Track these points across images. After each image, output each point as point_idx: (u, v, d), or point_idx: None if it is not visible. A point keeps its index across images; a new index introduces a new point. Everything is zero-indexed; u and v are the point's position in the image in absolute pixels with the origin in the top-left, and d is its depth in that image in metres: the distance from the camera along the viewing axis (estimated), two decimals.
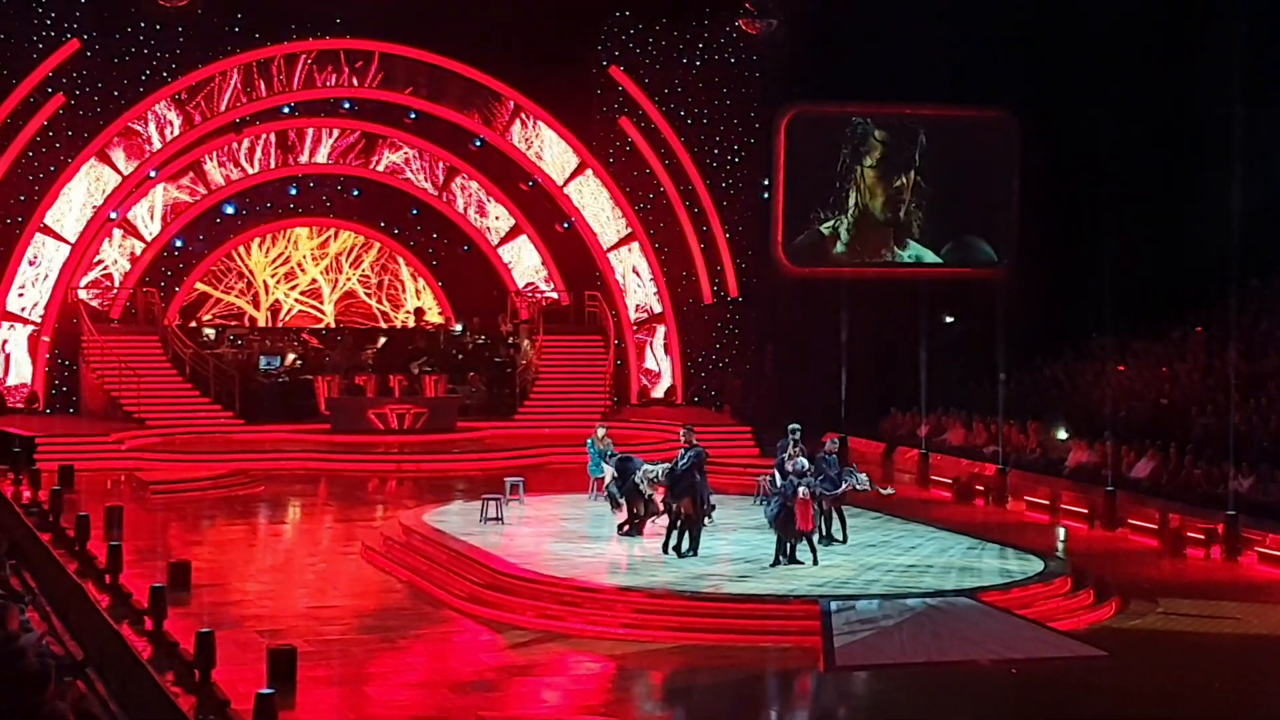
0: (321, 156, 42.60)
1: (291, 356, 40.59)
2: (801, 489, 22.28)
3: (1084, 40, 39.39)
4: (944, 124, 44.78)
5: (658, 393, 43.59)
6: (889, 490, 26.53)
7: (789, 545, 22.45)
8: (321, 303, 43.85)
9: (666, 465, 24.02)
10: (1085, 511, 30.16)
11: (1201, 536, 27.04)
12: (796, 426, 25.22)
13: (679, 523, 23.21)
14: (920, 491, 34.49)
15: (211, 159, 41.51)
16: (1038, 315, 39.70)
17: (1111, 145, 37.90)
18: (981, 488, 33.05)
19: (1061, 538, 28.51)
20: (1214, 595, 23.40)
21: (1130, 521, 28.96)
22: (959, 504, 32.56)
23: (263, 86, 41.13)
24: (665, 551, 23.12)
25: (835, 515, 24.66)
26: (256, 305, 43.26)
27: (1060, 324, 39.70)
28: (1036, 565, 23.22)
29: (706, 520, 23.63)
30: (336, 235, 43.76)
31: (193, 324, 41.51)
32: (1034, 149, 43.59)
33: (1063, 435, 33.97)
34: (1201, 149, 38.62)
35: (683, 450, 23.92)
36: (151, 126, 40.53)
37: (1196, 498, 28.49)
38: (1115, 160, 37.79)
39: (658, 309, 43.68)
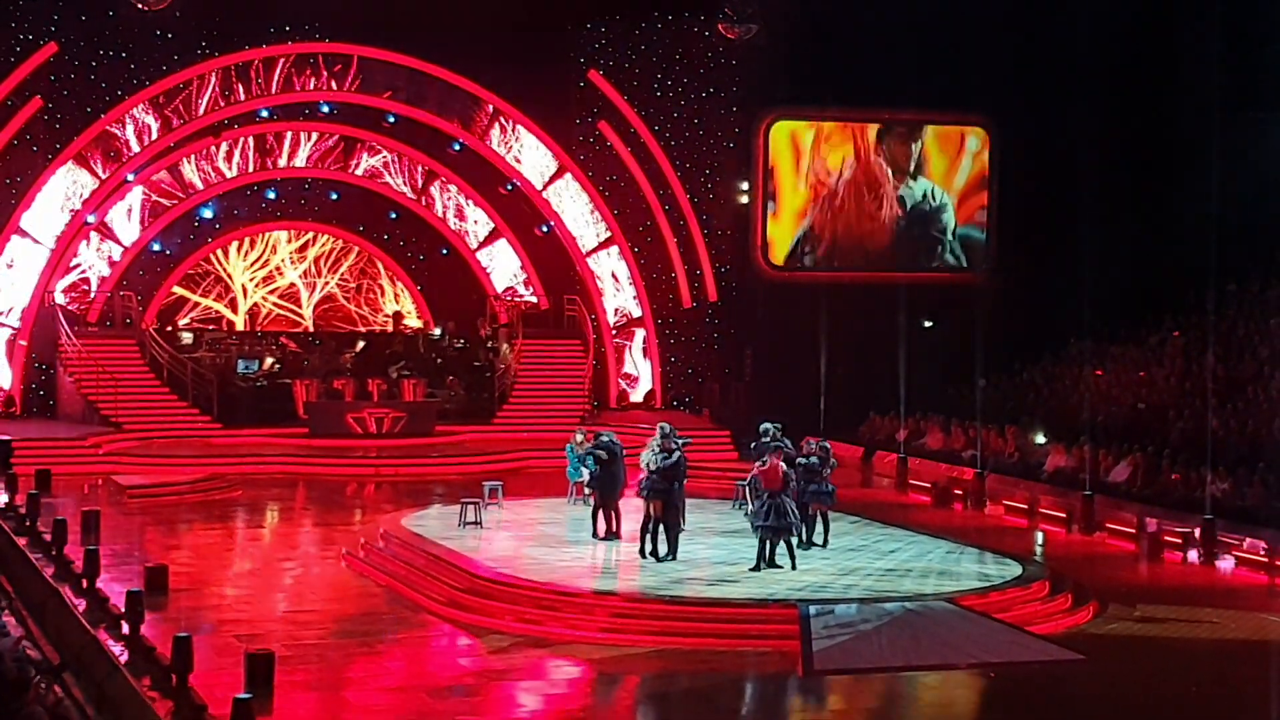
0: (300, 160, 42.52)
1: (270, 360, 40.49)
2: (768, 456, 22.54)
3: (1061, 46, 39.53)
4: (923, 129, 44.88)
5: (636, 396, 43.57)
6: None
7: (770, 548, 22.44)
8: (300, 307, 43.76)
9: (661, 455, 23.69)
10: (1063, 515, 30.25)
11: (1179, 540, 27.16)
12: (769, 427, 25.33)
13: (651, 525, 23.15)
14: (899, 495, 34.54)
15: (189, 162, 41.41)
16: (1016, 320, 39.80)
17: (1089, 151, 38.04)
18: (960, 492, 33.09)
19: (1039, 542, 28.57)
20: (1191, 599, 23.48)
21: (1108, 525, 29.05)
22: (937, 508, 32.60)
23: (241, 90, 41.05)
24: (643, 556, 23.10)
25: (820, 519, 24.66)
26: (234, 309, 43.15)
27: (1038, 329, 39.78)
28: (1015, 569, 23.27)
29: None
30: (315, 239, 43.69)
31: (170, 328, 41.40)
32: (1012, 155, 43.72)
33: (1041, 439, 34.04)
34: (1179, 155, 38.78)
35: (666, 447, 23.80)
36: (129, 130, 40.42)
37: (1174, 502, 28.59)
38: (1093, 165, 37.94)
39: (637, 313, 43.68)
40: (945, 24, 39.68)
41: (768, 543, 22.42)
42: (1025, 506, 31.33)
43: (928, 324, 43.10)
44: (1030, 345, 39.69)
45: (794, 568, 22.41)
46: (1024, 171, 42.84)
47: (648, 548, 23.09)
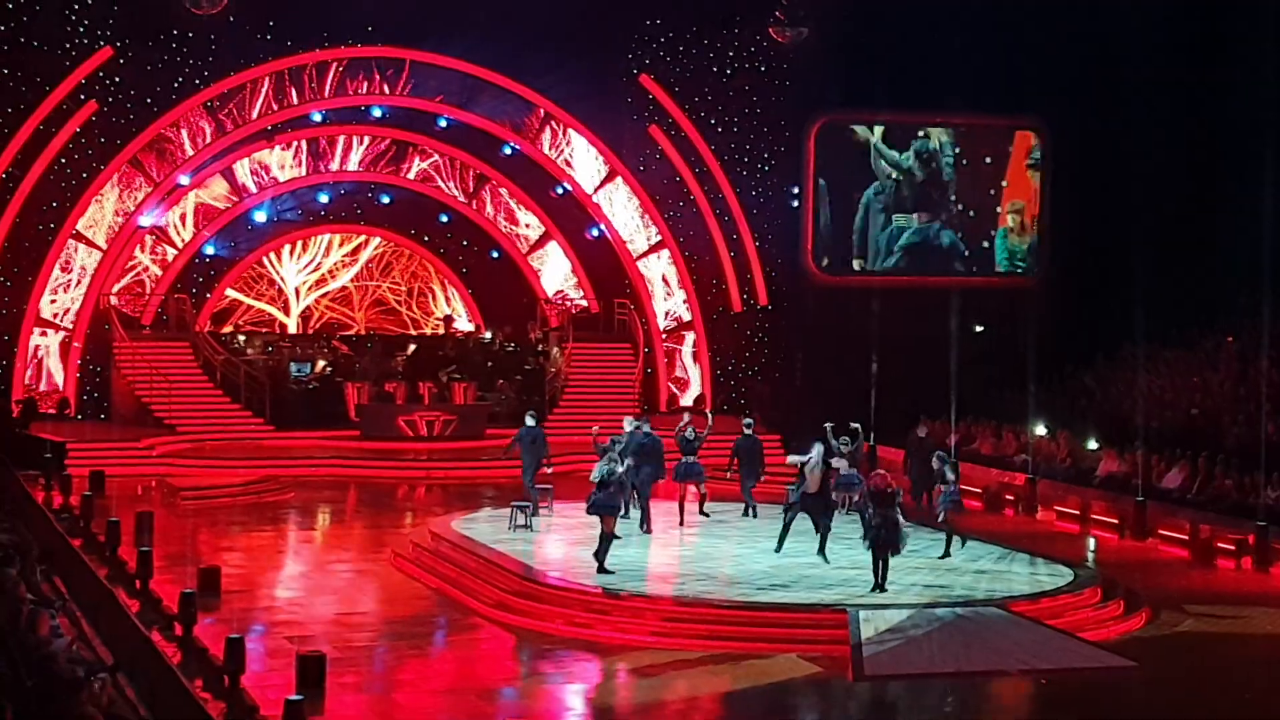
0: (352, 164, 42.73)
1: (322, 363, 40.68)
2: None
3: (1115, 47, 39.33)
4: (974, 132, 44.76)
5: (686, 400, 43.52)
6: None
7: (884, 564, 22.02)
8: (352, 309, 43.98)
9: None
10: (1115, 521, 30.09)
11: (1232, 547, 26.97)
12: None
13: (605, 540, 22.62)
14: None
15: (243, 166, 41.68)
16: (1068, 324, 39.62)
17: (1142, 153, 37.82)
18: (1011, 497, 32.96)
19: (1091, 548, 28.44)
20: (1245, 605, 23.32)
21: (1160, 532, 28.88)
22: (988, 513, 32.47)
23: (294, 94, 41.23)
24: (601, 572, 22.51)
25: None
26: (287, 312, 43.39)
27: (1091, 333, 39.58)
28: (1066, 575, 23.15)
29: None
30: (367, 242, 43.89)
31: (223, 330, 41.67)
32: (1064, 157, 43.53)
33: (1093, 445, 33.86)
34: (1233, 157, 38.51)
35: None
36: (184, 133, 40.68)
37: (1227, 508, 28.35)
38: (1146, 168, 37.71)
39: (687, 317, 43.66)
40: (997, 26, 39.53)
41: (883, 560, 21.91)
42: (1077, 512, 31.17)
43: (979, 328, 42.95)
44: (1083, 349, 39.49)
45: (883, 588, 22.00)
46: (1077, 174, 42.63)
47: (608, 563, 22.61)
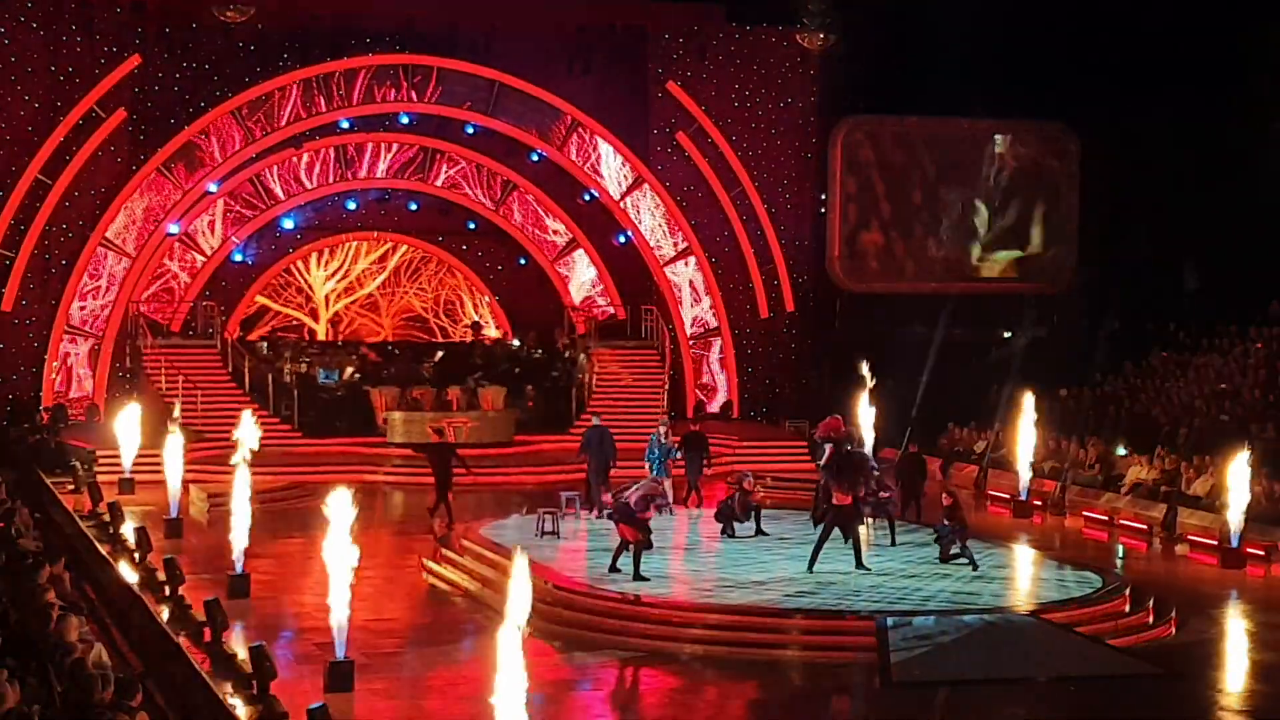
0: (380, 171, 42.80)
1: (350, 370, 40.73)
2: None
3: (1146, 52, 39.25)
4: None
5: (714, 407, 43.53)
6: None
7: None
8: (380, 316, 44.05)
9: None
10: (1144, 528, 29.98)
11: (1262, 553, 26.87)
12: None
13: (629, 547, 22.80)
14: (978, 507, 34.29)
15: (271, 173, 41.79)
16: (1097, 330, 39.52)
17: (1172, 159, 37.76)
18: (1040, 503, 32.87)
19: (1120, 554, 28.35)
20: (1275, 612, 23.22)
21: (1190, 538, 28.77)
22: (1017, 519, 32.38)
23: (322, 101, 41.30)
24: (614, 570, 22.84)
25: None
26: (315, 319, 43.49)
27: (1120, 339, 39.49)
28: (1095, 582, 23.08)
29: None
30: (395, 249, 43.98)
31: (252, 337, 41.76)
32: (1094, 163, 43.42)
33: (1122, 451, 33.76)
34: (1262, 163, 38.42)
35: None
36: (213, 140, 40.80)
37: (1257, 514, 28.24)
38: (1176, 175, 37.65)
39: (714, 323, 43.65)
40: (1026, 30, 39.47)
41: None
42: (1106, 518, 31.09)
43: (1007, 334, 42.86)
44: (1112, 356, 39.40)
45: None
46: (1106, 180, 42.54)
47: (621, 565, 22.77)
